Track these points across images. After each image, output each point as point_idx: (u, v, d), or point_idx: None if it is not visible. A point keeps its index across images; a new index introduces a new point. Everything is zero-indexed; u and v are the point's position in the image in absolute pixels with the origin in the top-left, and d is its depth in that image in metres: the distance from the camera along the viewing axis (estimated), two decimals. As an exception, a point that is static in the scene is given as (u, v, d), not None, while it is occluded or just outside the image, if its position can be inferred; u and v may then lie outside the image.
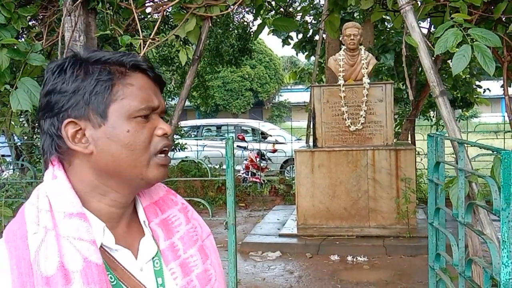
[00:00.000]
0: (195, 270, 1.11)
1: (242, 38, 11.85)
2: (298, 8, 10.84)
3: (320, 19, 10.72)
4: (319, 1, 11.10)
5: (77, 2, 2.74)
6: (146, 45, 2.80)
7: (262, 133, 15.14)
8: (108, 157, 1.02)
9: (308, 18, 11.47)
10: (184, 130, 13.87)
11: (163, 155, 1.05)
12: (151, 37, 2.82)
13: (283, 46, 11.69)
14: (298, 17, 10.64)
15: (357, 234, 7.13)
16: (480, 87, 11.67)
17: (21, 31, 3.12)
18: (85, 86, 1.02)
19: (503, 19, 3.39)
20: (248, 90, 33.74)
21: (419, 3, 3.10)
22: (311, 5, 10.98)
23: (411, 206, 7.02)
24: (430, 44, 2.90)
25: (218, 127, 16.87)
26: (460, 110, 13.35)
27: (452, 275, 2.95)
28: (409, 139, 9.90)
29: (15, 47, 2.91)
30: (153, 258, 1.09)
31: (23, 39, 2.97)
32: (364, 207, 7.25)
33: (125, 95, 1.03)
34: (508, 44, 3.33)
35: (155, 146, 1.04)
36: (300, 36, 11.22)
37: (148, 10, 3.42)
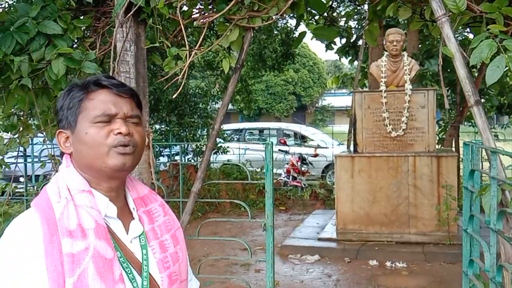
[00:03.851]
0: (169, 250, 1.47)
1: (285, 43, 11.97)
2: (342, 13, 10.88)
3: (363, 23, 10.74)
4: (363, 6, 11.11)
5: (129, 14, 2.94)
6: (192, 55, 2.97)
7: (303, 137, 15.20)
8: (79, 154, 1.39)
9: (351, 23, 11.50)
10: (226, 134, 14.09)
11: (121, 147, 1.36)
12: (196, 47, 2.99)
13: (326, 51, 11.73)
14: (342, 22, 10.68)
15: (397, 240, 7.14)
16: (527, 93, 11.40)
17: (75, 41, 3.34)
18: (65, 104, 1.41)
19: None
20: (291, 94, 33.85)
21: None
22: (355, 10, 10.99)
23: (452, 213, 6.98)
24: (466, 55, 2.96)
25: (261, 130, 17.02)
26: (508, 117, 13.08)
27: (485, 281, 2.99)
28: (453, 145, 9.80)
29: (71, 56, 3.13)
30: (139, 236, 1.43)
31: (78, 49, 3.18)
32: (404, 213, 7.25)
33: (88, 107, 1.38)
34: (546, 54, 3.34)
35: (112, 141, 1.36)
36: (344, 41, 11.24)
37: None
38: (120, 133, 1.36)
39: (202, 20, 3.07)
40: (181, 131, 10.86)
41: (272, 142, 3.68)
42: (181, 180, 4.39)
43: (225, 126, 15.01)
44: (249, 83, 14.15)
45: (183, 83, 2.98)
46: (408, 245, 7.00)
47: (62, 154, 1.45)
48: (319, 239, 7.49)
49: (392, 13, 3.54)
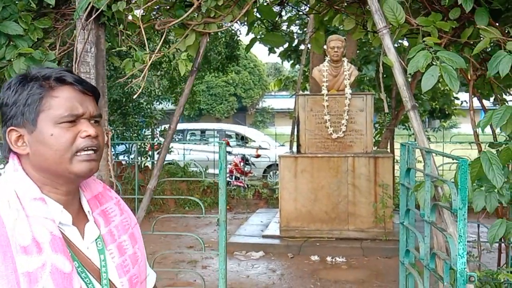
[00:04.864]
0: (127, 252, 1.39)
1: (229, 45, 12.18)
2: (284, 18, 11.19)
3: (305, 29, 11.09)
4: (305, 11, 11.45)
5: (91, 18, 3.06)
6: (152, 58, 3.13)
7: (243, 137, 15.47)
8: (39, 157, 1.26)
9: (293, 28, 11.84)
10: (169, 134, 14.11)
11: (86, 152, 1.27)
12: (156, 52, 3.15)
13: (269, 54, 12.03)
14: (284, 27, 10.98)
15: (337, 236, 7.50)
16: (457, 99, 12.13)
17: (36, 41, 3.41)
18: (20, 99, 1.26)
19: (471, 42, 3.77)
20: (232, 95, 34.06)
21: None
22: (297, 16, 11.34)
23: (387, 210, 7.40)
24: (404, 64, 3.26)
25: (203, 131, 17.14)
26: (439, 121, 13.84)
27: (420, 270, 3.31)
28: (389, 147, 10.30)
29: (31, 56, 3.21)
30: (96, 239, 1.34)
31: (38, 50, 3.26)
32: (343, 211, 7.61)
33: (51, 106, 1.25)
34: (474, 64, 3.72)
35: (77, 145, 1.26)
36: (286, 45, 11.57)
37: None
38: (88, 135, 1.27)
39: (161, 26, 3.23)
40: (125, 131, 10.86)
41: (225, 143, 3.87)
42: (137, 178, 4.51)
43: (167, 127, 15.01)
44: (193, 84, 14.27)
45: (142, 85, 3.13)
46: (347, 241, 7.37)
47: (8, 151, 1.31)
48: (264, 236, 7.75)
49: (337, 24, 3.83)
